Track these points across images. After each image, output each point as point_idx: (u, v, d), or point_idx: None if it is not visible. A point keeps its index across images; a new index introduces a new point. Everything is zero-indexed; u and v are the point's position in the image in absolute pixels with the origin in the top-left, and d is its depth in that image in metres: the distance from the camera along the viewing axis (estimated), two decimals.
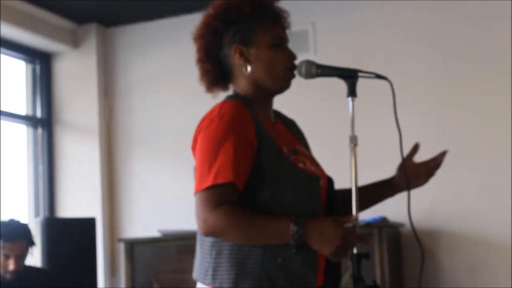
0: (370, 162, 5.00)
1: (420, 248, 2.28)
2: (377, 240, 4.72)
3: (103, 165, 6.05)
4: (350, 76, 2.21)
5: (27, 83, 6.16)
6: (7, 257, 4.12)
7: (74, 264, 5.04)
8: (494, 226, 4.99)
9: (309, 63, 2.24)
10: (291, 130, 2.41)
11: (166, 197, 5.90)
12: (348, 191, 2.17)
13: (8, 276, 4.13)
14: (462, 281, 5.04)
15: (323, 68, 2.25)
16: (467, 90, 5.17)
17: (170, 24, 6.04)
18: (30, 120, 6.08)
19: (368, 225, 4.70)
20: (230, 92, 2.33)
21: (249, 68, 2.24)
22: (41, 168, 6.05)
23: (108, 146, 6.14)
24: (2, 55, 5.75)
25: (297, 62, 2.29)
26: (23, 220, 4.45)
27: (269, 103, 2.32)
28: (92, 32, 6.15)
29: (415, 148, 2.33)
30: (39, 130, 6.10)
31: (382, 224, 4.77)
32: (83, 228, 5.26)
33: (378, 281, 4.55)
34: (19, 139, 6.04)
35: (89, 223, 5.30)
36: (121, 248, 5.66)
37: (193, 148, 2.20)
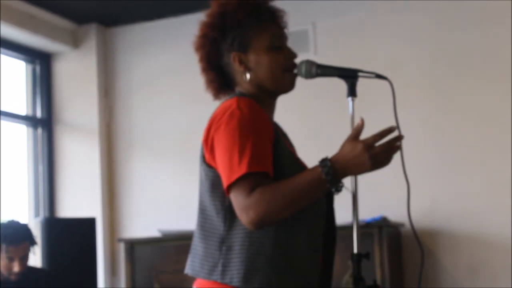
0: None
1: (420, 248, 2.28)
2: (377, 240, 4.72)
3: (103, 165, 6.05)
4: (350, 76, 2.21)
5: (27, 83, 6.16)
6: (11, 259, 4.14)
7: (74, 264, 5.05)
8: (494, 226, 4.99)
9: (309, 63, 2.24)
10: (287, 140, 2.41)
11: (166, 197, 5.90)
12: None
13: (12, 277, 4.15)
14: (462, 281, 5.04)
15: (323, 68, 2.25)
16: (467, 90, 5.17)
17: (170, 24, 6.04)
18: (30, 120, 6.08)
19: (368, 225, 4.71)
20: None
21: (248, 76, 2.25)
22: (41, 168, 6.05)
23: (108, 146, 6.14)
24: (2, 55, 5.75)
25: (297, 62, 2.29)
26: (23, 220, 4.45)
27: (273, 105, 2.33)
28: (92, 32, 6.16)
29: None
30: (39, 130, 6.10)
31: (382, 224, 4.77)
32: (83, 228, 5.26)
33: (378, 281, 4.55)
34: (19, 139, 6.04)
35: (89, 223, 5.30)
36: (121, 248, 5.66)
37: (207, 143, 2.16)
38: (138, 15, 6.05)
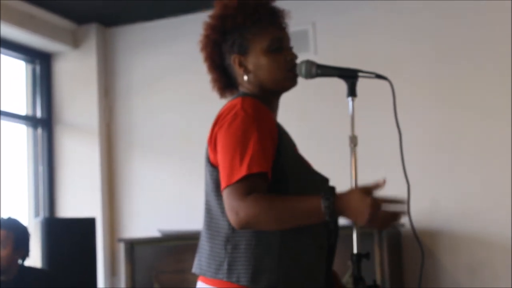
0: (370, 162, 5.01)
1: (420, 248, 2.28)
2: (377, 240, 4.71)
3: (103, 165, 6.05)
4: (350, 76, 2.21)
5: (27, 83, 6.16)
6: None
7: (74, 264, 5.04)
8: (494, 226, 4.99)
9: (309, 63, 2.25)
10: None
11: (166, 197, 5.89)
12: None
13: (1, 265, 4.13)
14: (463, 281, 5.04)
15: (323, 68, 2.25)
16: (467, 90, 5.17)
17: (170, 24, 6.04)
18: (30, 120, 6.08)
19: None
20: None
21: (246, 78, 2.27)
22: (41, 168, 6.05)
23: (108, 146, 6.14)
24: (2, 55, 5.75)
25: (297, 62, 2.29)
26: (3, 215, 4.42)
27: (276, 104, 2.34)
28: (92, 32, 6.15)
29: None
30: (39, 130, 6.10)
31: None
32: (83, 228, 5.26)
33: (378, 281, 4.55)
34: (19, 139, 6.04)
35: (89, 223, 5.30)
36: (121, 248, 5.65)
37: (211, 143, 2.17)
38: (138, 15, 6.05)
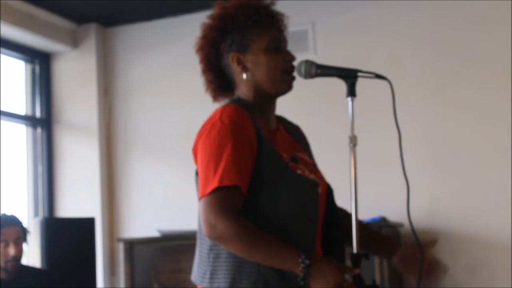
0: (369, 162, 5.01)
1: (419, 248, 2.28)
2: None
3: (103, 165, 6.05)
4: (349, 76, 2.21)
5: (27, 83, 6.15)
6: (6, 244, 4.14)
7: (73, 264, 5.04)
8: (494, 226, 4.99)
9: (309, 63, 2.25)
10: (294, 136, 2.41)
11: (165, 197, 5.90)
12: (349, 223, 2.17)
13: (9, 265, 4.14)
14: (462, 281, 5.04)
15: (323, 68, 2.25)
16: (467, 90, 5.17)
17: (170, 24, 6.04)
18: (29, 120, 6.08)
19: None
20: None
21: (244, 76, 2.26)
22: (41, 168, 6.05)
23: (108, 146, 6.14)
24: (1, 55, 5.75)
25: (296, 62, 2.29)
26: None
27: (271, 107, 2.34)
28: (91, 32, 6.15)
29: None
30: (39, 130, 6.10)
31: (382, 224, 4.77)
32: (83, 228, 5.25)
33: (378, 281, 4.55)
34: (19, 139, 6.04)
35: (89, 223, 5.30)
36: (121, 248, 5.66)
37: (194, 152, 2.21)
38: (138, 15, 6.05)
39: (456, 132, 5.16)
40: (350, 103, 2.19)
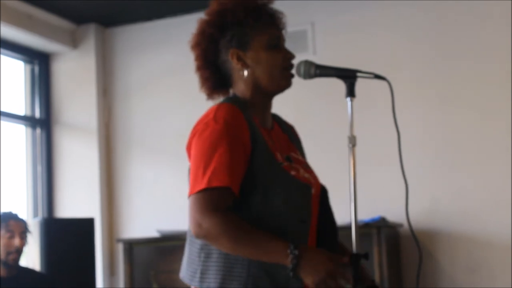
0: (369, 162, 5.02)
1: (418, 248, 2.28)
2: (376, 240, 4.71)
3: (102, 166, 6.05)
4: (348, 77, 2.21)
5: (26, 84, 6.15)
6: (11, 235, 4.23)
7: (73, 265, 5.04)
8: (494, 226, 4.99)
9: (308, 63, 2.25)
10: (288, 135, 2.40)
11: (164, 197, 5.89)
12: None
13: (11, 258, 4.20)
14: (461, 282, 5.04)
15: (322, 68, 2.25)
16: (467, 90, 5.17)
17: (169, 24, 6.04)
18: (29, 120, 6.08)
19: (367, 225, 4.70)
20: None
21: (245, 72, 2.25)
22: (40, 169, 6.05)
23: (107, 146, 6.14)
24: (1, 55, 5.75)
25: (296, 62, 2.29)
26: None
27: (268, 106, 2.32)
28: (91, 32, 6.15)
29: None
30: (38, 130, 6.10)
31: (381, 224, 4.77)
32: (82, 228, 5.25)
33: (377, 281, 4.55)
34: (18, 140, 6.04)
35: (88, 223, 5.30)
36: (120, 248, 5.66)
37: (188, 150, 2.21)
38: (137, 15, 6.05)
39: (455, 132, 5.16)
40: (349, 103, 2.19)
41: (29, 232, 4.40)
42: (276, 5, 2.36)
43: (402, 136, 2.26)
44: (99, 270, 5.77)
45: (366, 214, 4.77)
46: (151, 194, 5.97)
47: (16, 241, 4.21)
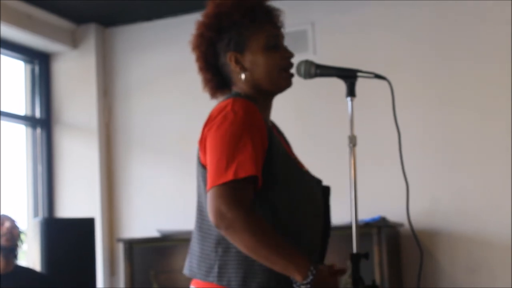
0: (369, 162, 5.02)
1: (419, 248, 2.28)
2: (376, 240, 4.71)
3: (102, 165, 6.05)
4: (349, 76, 2.21)
5: (26, 83, 6.15)
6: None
7: (73, 264, 5.04)
8: (494, 226, 4.99)
9: (308, 63, 2.25)
10: (283, 138, 2.41)
11: (165, 197, 5.89)
12: None
13: (4, 239, 4.17)
14: (461, 281, 5.04)
15: (322, 68, 2.25)
16: (467, 90, 5.16)
17: (169, 24, 6.04)
18: (29, 120, 6.08)
19: (367, 225, 4.70)
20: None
21: (243, 76, 2.24)
22: (40, 168, 6.05)
23: (107, 146, 6.14)
24: (1, 55, 5.75)
25: (296, 62, 2.29)
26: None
27: (269, 105, 2.32)
28: (91, 32, 6.15)
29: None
30: (38, 130, 6.10)
31: (381, 224, 4.77)
32: (82, 228, 5.26)
33: (377, 281, 4.55)
34: (18, 139, 6.04)
35: (88, 223, 5.30)
36: (120, 248, 5.66)
37: (201, 144, 2.16)
38: (137, 15, 6.05)
39: (455, 132, 5.16)
40: (349, 103, 2.20)
41: (18, 231, 4.33)
42: (276, 5, 2.35)
43: (402, 136, 2.26)
44: (99, 270, 5.77)
45: (367, 213, 4.77)
46: (151, 194, 5.97)
47: (7, 224, 4.20)
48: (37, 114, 6.12)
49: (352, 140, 2.17)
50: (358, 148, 2.18)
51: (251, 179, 2.03)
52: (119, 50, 6.22)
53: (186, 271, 2.22)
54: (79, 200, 6.01)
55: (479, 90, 5.13)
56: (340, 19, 5.54)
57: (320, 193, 2.24)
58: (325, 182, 2.34)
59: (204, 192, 2.15)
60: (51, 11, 5.83)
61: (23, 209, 5.91)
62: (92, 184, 6.00)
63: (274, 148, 2.14)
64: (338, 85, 2.33)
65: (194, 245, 2.20)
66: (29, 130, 6.08)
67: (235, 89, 2.29)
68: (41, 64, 6.16)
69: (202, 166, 2.16)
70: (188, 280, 2.23)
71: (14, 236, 4.23)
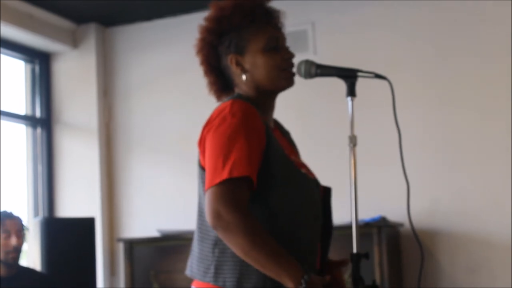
0: (369, 162, 5.01)
1: (420, 248, 2.28)
2: (377, 240, 4.71)
3: (103, 165, 6.05)
4: (349, 76, 2.21)
5: (27, 83, 6.15)
6: (8, 235, 4.18)
7: (73, 264, 5.04)
8: (494, 226, 4.98)
9: (309, 63, 2.25)
10: (287, 139, 2.42)
11: (165, 197, 5.89)
12: None
13: (10, 257, 4.16)
14: (462, 281, 5.04)
15: (323, 68, 2.25)
16: (467, 90, 5.16)
17: (170, 24, 6.04)
18: (29, 120, 6.08)
19: (368, 225, 4.70)
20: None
21: (244, 77, 2.26)
22: (41, 168, 6.05)
23: (108, 146, 6.14)
24: (1, 55, 5.75)
25: (296, 62, 2.29)
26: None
27: (271, 106, 2.34)
28: (91, 32, 6.15)
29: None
30: (39, 130, 6.10)
31: (382, 224, 4.77)
32: (83, 228, 5.25)
33: (378, 281, 4.55)
34: (19, 139, 6.04)
35: (89, 223, 5.30)
36: (121, 248, 5.66)
37: (201, 146, 2.18)
38: (138, 15, 6.05)
39: (456, 132, 5.16)
40: (349, 103, 2.20)
41: (26, 229, 4.37)
42: (276, 5, 2.36)
43: (402, 136, 2.26)
44: (100, 269, 5.77)
45: (367, 213, 4.77)
46: (151, 194, 5.97)
47: (13, 240, 4.17)
48: (37, 113, 6.12)
49: (353, 140, 2.17)
50: (358, 148, 2.18)
51: (246, 179, 2.05)
52: (120, 50, 6.22)
53: (187, 271, 2.23)
54: (79, 199, 6.01)
55: (479, 90, 5.12)
56: (340, 19, 5.55)
57: (319, 194, 2.25)
58: (325, 182, 2.34)
59: (203, 193, 2.16)
60: (52, 11, 5.83)
61: (23, 209, 5.91)
62: (92, 184, 6.00)
63: (272, 149, 2.14)
64: (338, 85, 2.33)
65: (194, 246, 2.23)
66: (29, 129, 6.08)
67: (237, 90, 2.31)
68: (41, 64, 6.16)
69: (201, 167, 2.18)
70: (189, 280, 2.24)
71: (19, 251, 4.23)
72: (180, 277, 5.08)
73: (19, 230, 4.24)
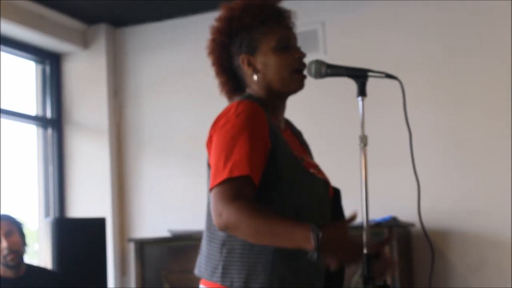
0: (380, 162, 5.00)
1: (430, 247, 2.27)
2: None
3: (113, 165, 6.06)
4: (360, 76, 2.21)
5: (37, 84, 6.17)
6: None
7: (84, 264, 5.05)
8: (505, 226, 4.96)
9: (319, 63, 2.25)
10: (298, 139, 2.42)
11: (175, 197, 5.90)
12: None
13: (9, 259, 4.07)
14: (472, 281, 5.03)
15: (333, 67, 2.25)
16: (477, 90, 5.15)
17: (180, 24, 6.04)
18: (40, 120, 6.09)
19: (378, 225, 4.69)
20: None
21: (255, 77, 2.27)
22: (51, 169, 6.07)
23: (118, 146, 6.15)
24: (12, 55, 5.77)
25: (307, 62, 2.29)
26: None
27: (282, 107, 2.34)
28: (101, 32, 6.17)
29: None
30: (49, 131, 6.11)
31: (392, 224, 4.76)
32: (93, 228, 5.26)
33: (388, 281, 4.54)
34: (29, 140, 6.06)
35: (99, 223, 5.31)
36: (131, 248, 5.66)
37: (208, 146, 2.20)
38: (148, 15, 6.06)
39: (466, 131, 5.14)
40: (360, 102, 2.19)
41: (22, 225, 4.21)
42: (286, 5, 2.36)
43: (413, 136, 2.25)
44: (111, 270, 5.78)
45: (378, 213, 4.76)
46: (162, 194, 5.97)
47: (3, 243, 4.05)
48: (48, 114, 6.13)
49: (363, 140, 2.17)
50: (369, 148, 2.18)
51: (247, 179, 2.06)
52: (130, 50, 6.23)
53: (195, 271, 2.24)
54: (90, 200, 6.02)
55: (488, 90, 5.10)
56: (351, 18, 5.54)
57: (327, 194, 2.25)
58: (336, 182, 2.34)
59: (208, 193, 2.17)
60: (62, 11, 5.84)
61: (35, 209, 5.93)
62: (103, 184, 6.01)
63: (279, 150, 2.15)
64: (349, 84, 2.32)
65: (203, 246, 2.24)
66: (40, 130, 6.10)
67: (248, 91, 2.31)
68: (52, 64, 6.17)
69: (209, 167, 2.20)
70: (199, 280, 2.25)
71: (16, 251, 4.11)
72: (191, 277, 5.06)
73: (8, 231, 4.10)
